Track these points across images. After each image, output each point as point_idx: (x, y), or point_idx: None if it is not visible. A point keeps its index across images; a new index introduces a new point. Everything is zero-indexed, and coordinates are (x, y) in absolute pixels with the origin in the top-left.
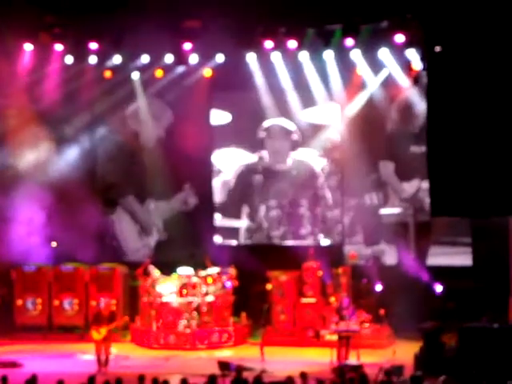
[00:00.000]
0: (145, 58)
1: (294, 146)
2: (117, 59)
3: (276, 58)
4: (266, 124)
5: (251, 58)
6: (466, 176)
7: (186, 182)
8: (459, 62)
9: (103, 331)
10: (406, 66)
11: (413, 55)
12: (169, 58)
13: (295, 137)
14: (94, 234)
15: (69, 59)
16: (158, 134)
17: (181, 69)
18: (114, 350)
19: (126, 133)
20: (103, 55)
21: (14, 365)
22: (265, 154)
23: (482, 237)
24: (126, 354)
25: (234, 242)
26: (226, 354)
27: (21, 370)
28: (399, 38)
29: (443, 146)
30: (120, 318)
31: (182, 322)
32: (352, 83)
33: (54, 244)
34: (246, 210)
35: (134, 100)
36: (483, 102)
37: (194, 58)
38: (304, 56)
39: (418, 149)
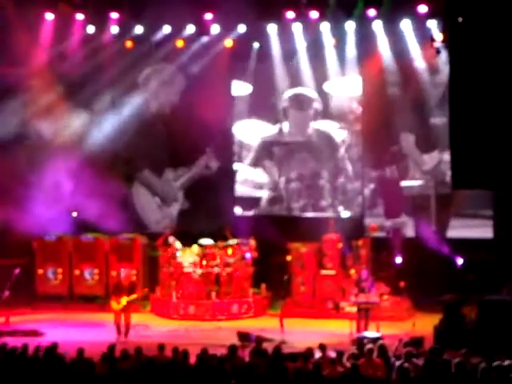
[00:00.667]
0: (166, 29)
1: (316, 116)
2: (138, 29)
3: (297, 29)
4: (288, 93)
5: (272, 29)
6: (487, 148)
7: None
8: (481, 32)
9: (123, 301)
10: (428, 36)
11: (435, 26)
12: (190, 29)
13: (317, 105)
14: (118, 205)
15: (90, 29)
16: (171, 101)
17: (202, 39)
18: (134, 319)
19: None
20: (125, 26)
21: (35, 333)
22: (285, 125)
23: (503, 209)
24: (146, 324)
25: (254, 214)
26: (245, 324)
27: (42, 339)
28: (421, 8)
29: (465, 117)
30: (140, 289)
31: (202, 293)
32: (373, 54)
33: (74, 214)
34: (266, 181)
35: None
36: (506, 72)
37: (215, 29)
38: (325, 27)
39: (439, 120)
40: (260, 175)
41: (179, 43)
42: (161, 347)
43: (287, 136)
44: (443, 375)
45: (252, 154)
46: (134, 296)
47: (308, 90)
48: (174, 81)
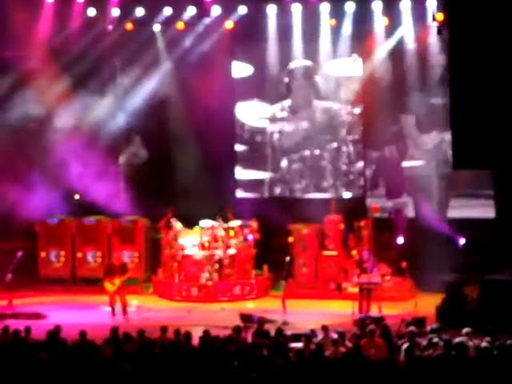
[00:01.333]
0: (167, 11)
1: (317, 93)
2: (139, 12)
3: (296, 9)
4: (290, 66)
5: (271, 9)
6: (488, 127)
7: (208, 134)
8: (481, 10)
9: (116, 282)
10: (429, 16)
11: (435, 5)
12: (191, 11)
13: (319, 79)
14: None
15: (91, 12)
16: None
17: (203, 21)
18: (136, 301)
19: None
20: (125, 8)
21: (37, 316)
22: (287, 104)
23: (505, 189)
24: (149, 306)
25: (256, 195)
26: (248, 306)
27: (44, 322)
28: None
29: (465, 97)
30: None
31: (204, 275)
32: (373, 35)
33: (76, 196)
34: (268, 163)
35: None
36: (507, 52)
37: (216, 10)
38: (325, 8)
39: (438, 100)
40: (262, 157)
41: (180, 25)
42: (163, 329)
43: (289, 115)
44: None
45: (252, 136)
46: (126, 276)
47: (307, 61)
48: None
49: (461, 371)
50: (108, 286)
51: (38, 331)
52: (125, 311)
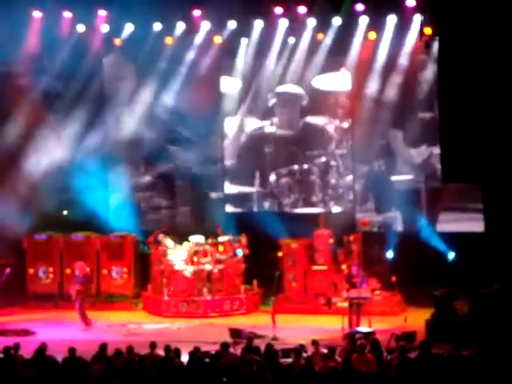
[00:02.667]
0: (157, 26)
1: (304, 112)
2: (129, 28)
3: (284, 24)
4: (274, 91)
5: (259, 24)
6: (477, 142)
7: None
8: (471, 25)
9: (74, 291)
10: (417, 31)
11: (423, 21)
12: (180, 26)
13: (305, 103)
14: None
15: (80, 28)
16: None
17: (192, 36)
18: (127, 317)
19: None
20: (114, 24)
21: (26, 333)
22: (275, 120)
23: (494, 203)
24: (138, 322)
25: (244, 210)
26: (237, 321)
27: (33, 338)
28: (409, 2)
29: (454, 111)
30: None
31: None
32: (361, 50)
33: (65, 212)
34: (256, 177)
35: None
36: (495, 66)
37: (205, 26)
38: (312, 23)
39: (426, 115)
40: (250, 171)
41: (168, 40)
42: (152, 345)
43: (277, 131)
44: (436, 368)
45: (241, 151)
46: (87, 286)
47: (294, 87)
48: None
49: None
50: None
51: (27, 348)
52: (83, 319)
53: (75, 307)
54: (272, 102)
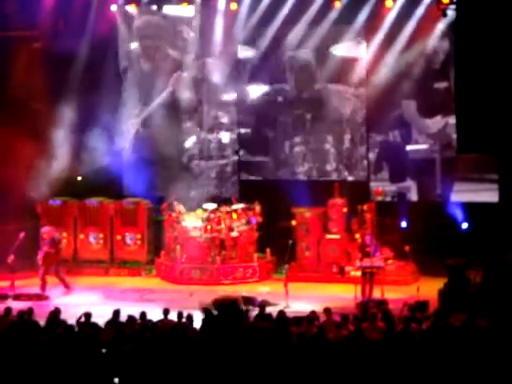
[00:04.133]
0: None
1: (319, 79)
2: None
3: None
4: (287, 55)
5: None
6: (492, 112)
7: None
8: None
9: (41, 255)
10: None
11: None
12: None
13: (315, 69)
14: None
15: None
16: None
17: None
18: (140, 284)
19: None
20: None
21: (39, 297)
22: (288, 87)
23: (509, 173)
24: (151, 288)
25: (258, 178)
26: (262, 289)
27: (47, 303)
28: None
29: (470, 81)
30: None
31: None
32: (378, 18)
33: (79, 178)
34: (270, 146)
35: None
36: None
37: None
38: None
39: (441, 85)
40: (264, 139)
41: (184, 5)
42: (165, 311)
43: (290, 98)
44: (446, 338)
45: (255, 119)
46: (55, 250)
47: (306, 52)
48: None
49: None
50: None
51: (40, 312)
52: (42, 286)
53: (39, 273)
54: (286, 65)
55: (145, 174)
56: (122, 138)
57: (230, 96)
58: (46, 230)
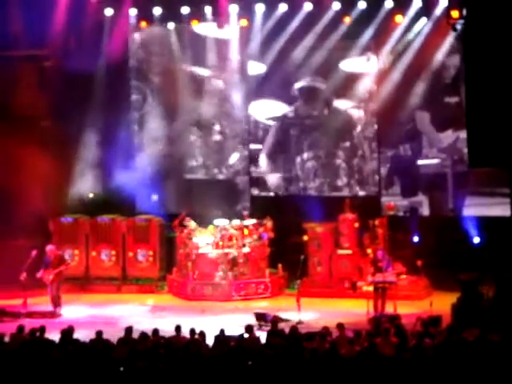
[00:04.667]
0: (185, 10)
1: (329, 97)
2: (157, 11)
3: (309, 8)
4: (298, 84)
5: (283, 8)
6: (504, 126)
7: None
8: (499, 7)
9: (48, 275)
10: (444, 13)
11: (450, 3)
12: (208, 10)
13: (327, 95)
14: None
15: (108, 11)
16: None
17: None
18: (152, 300)
19: None
20: (143, 7)
21: (52, 315)
22: (301, 104)
23: None
24: (163, 305)
25: (270, 194)
26: (262, 305)
27: (59, 320)
28: None
29: (481, 95)
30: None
31: (219, 274)
32: (388, 33)
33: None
34: (282, 161)
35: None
36: None
37: (233, 9)
38: (337, 6)
39: (453, 99)
40: (276, 155)
41: (194, 23)
42: (177, 328)
43: (303, 115)
44: (459, 353)
45: (268, 134)
46: (60, 268)
47: (317, 79)
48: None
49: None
50: (45, 278)
51: (52, 329)
52: (55, 303)
53: (48, 291)
54: (295, 93)
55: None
56: (140, 155)
57: (241, 111)
58: (49, 250)
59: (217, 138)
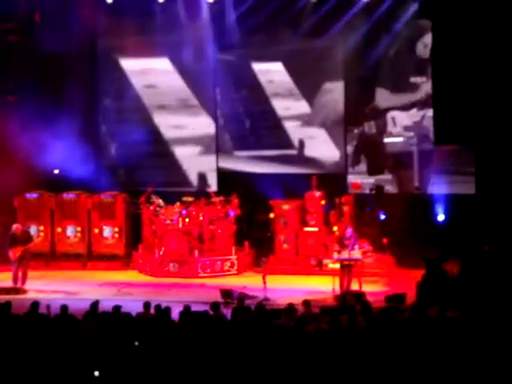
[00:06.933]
0: None
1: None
2: None
3: None
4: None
5: None
6: (469, 105)
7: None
8: None
9: (18, 251)
10: None
11: None
12: None
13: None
14: None
15: None
16: None
17: None
18: (118, 277)
19: None
20: None
21: (17, 291)
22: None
23: (485, 166)
24: (129, 282)
25: (237, 171)
26: (228, 282)
27: (24, 296)
28: None
29: (447, 74)
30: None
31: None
32: (357, 11)
33: (56, 171)
34: (249, 140)
35: None
36: (490, 30)
37: None
38: None
39: (419, 79)
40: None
41: None
42: (146, 305)
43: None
44: (423, 329)
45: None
46: (29, 245)
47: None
48: None
49: None
50: (11, 254)
51: (18, 306)
52: (24, 279)
53: (13, 268)
54: None
55: None
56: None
57: None
58: (16, 227)
59: None
